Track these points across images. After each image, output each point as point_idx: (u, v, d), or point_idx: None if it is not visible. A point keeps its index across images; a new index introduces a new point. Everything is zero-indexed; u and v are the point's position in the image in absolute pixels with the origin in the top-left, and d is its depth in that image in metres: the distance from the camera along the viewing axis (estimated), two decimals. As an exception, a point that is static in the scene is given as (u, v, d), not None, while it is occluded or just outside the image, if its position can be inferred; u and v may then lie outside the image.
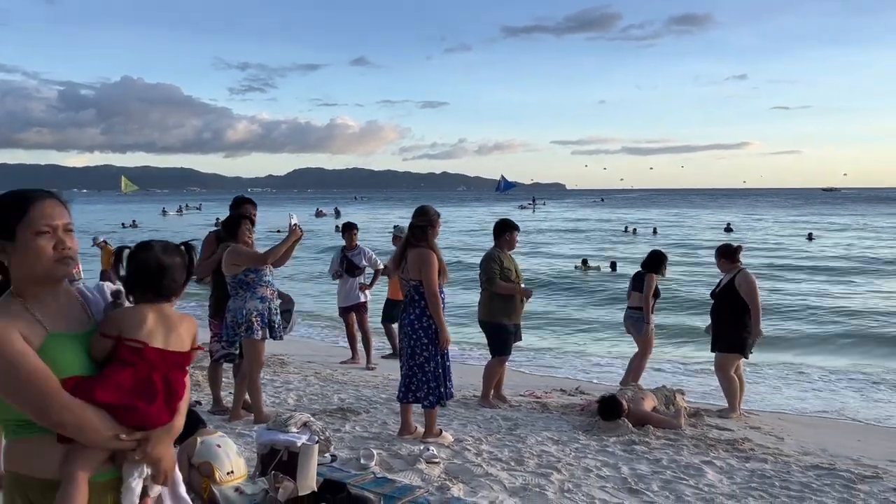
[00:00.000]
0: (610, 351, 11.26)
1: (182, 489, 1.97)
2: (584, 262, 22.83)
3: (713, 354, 7.00)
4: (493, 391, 6.97)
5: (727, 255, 6.96)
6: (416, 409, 5.62)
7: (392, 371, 8.33)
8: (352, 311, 8.98)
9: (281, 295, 6.11)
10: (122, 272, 1.88)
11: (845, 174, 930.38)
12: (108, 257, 15.43)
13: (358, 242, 9.05)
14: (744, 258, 7.12)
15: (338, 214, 62.53)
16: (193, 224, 53.78)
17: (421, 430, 5.51)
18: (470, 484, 4.50)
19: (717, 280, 7.28)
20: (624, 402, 6.07)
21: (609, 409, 6.02)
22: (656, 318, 8.05)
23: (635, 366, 8.02)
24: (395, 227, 9.73)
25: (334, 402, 6.64)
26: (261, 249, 5.83)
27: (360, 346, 9.18)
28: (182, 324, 1.88)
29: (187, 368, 1.91)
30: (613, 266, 21.84)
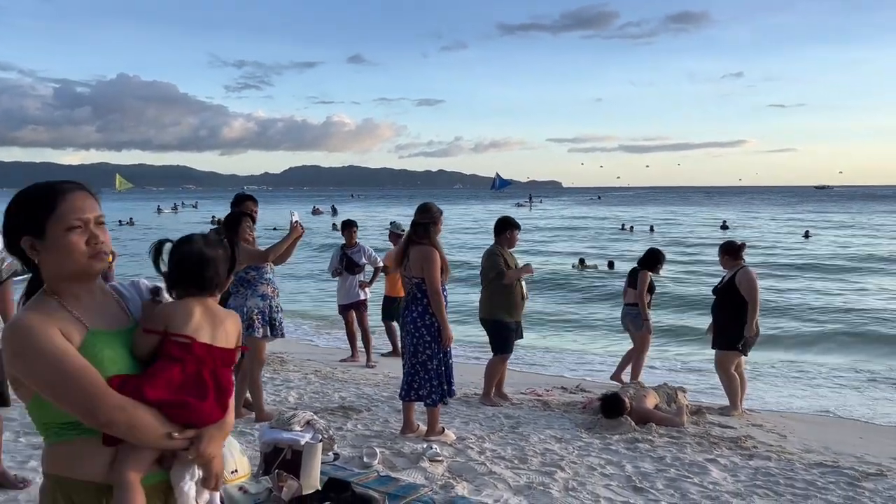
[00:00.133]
0: (609, 350, 11.25)
1: (217, 499, 1.85)
2: (582, 261, 22.82)
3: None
4: (494, 389, 6.95)
5: (731, 251, 6.94)
6: (418, 406, 5.59)
7: (392, 369, 8.31)
8: (351, 309, 8.95)
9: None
10: (163, 267, 1.81)
11: (840, 172, 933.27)
12: (105, 255, 15.35)
13: (357, 240, 9.02)
14: (743, 256, 7.09)
15: (335, 212, 62.44)
16: (189, 222, 53.61)
17: (423, 428, 5.48)
18: (474, 482, 4.48)
19: (715, 277, 7.28)
20: (626, 400, 6.05)
21: (612, 406, 6.00)
22: (653, 315, 8.08)
23: (634, 363, 8.03)
24: (391, 223, 9.70)
25: (335, 401, 6.61)
26: (261, 247, 5.80)
27: (359, 343, 9.15)
28: (227, 319, 1.81)
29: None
30: (611, 265, 21.84)
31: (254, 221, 5.88)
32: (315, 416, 4.60)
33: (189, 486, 1.70)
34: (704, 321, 13.39)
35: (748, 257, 7.27)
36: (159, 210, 73.07)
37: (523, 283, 7.01)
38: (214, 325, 1.76)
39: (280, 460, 4.05)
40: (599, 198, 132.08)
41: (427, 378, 5.33)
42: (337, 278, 9.02)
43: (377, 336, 9.52)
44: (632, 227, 42.73)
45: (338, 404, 6.42)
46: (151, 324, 1.71)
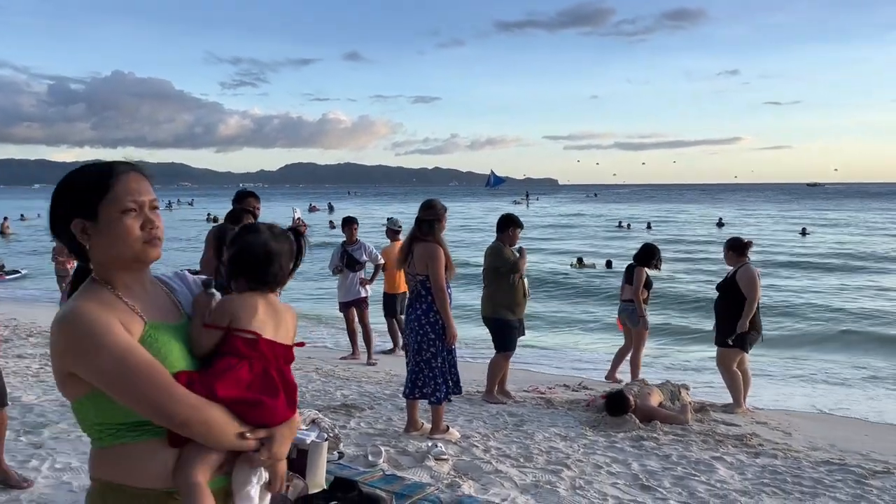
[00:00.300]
0: (609, 350, 11.22)
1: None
2: (580, 260, 22.79)
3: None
4: (497, 386, 6.92)
5: (736, 248, 6.91)
6: (422, 404, 5.55)
7: (393, 366, 8.27)
8: (352, 307, 8.90)
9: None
10: (225, 255, 1.71)
11: (836, 169, 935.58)
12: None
13: (358, 237, 8.98)
14: (748, 254, 7.06)
15: (331, 210, 62.36)
16: (186, 220, 53.44)
17: (427, 426, 5.45)
18: (480, 481, 4.44)
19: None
20: (631, 398, 6.03)
21: (616, 404, 5.97)
22: (650, 312, 8.08)
23: (632, 361, 8.02)
24: (388, 219, 9.66)
25: (337, 399, 6.57)
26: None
27: (360, 341, 9.11)
28: (287, 314, 1.71)
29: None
30: (609, 264, 21.82)
31: (255, 218, 5.82)
32: (320, 415, 4.57)
33: (255, 490, 1.59)
34: (703, 319, 13.51)
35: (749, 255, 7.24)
36: None
37: (525, 280, 6.98)
38: (277, 321, 1.66)
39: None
40: (596, 195, 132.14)
41: (431, 376, 5.29)
42: (337, 276, 8.97)
43: (378, 334, 9.48)
44: (629, 225, 42.76)
45: (340, 402, 6.38)
46: (214, 318, 1.60)
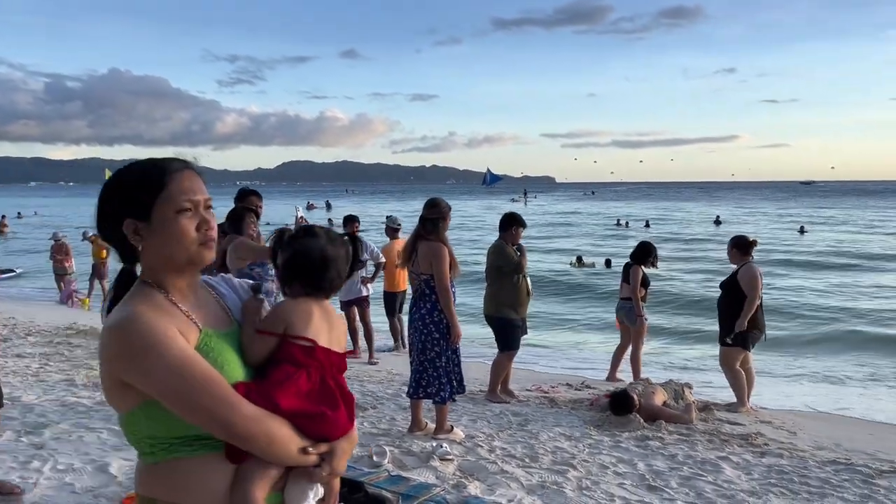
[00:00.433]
0: (609, 349, 11.20)
1: None
2: (579, 258, 22.77)
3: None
4: (499, 386, 6.89)
5: (740, 246, 6.88)
6: (426, 404, 5.52)
7: (395, 366, 8.24)
8: (353, 305, 8.87)
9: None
10: (280, 258, 1.63)
11: (833, 167, 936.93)
12: (98, 251, 15.21)
13: (359, 235, 8.94)
14: (752, 253, 7.02)
15: (329, 207, 62.30)
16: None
17: (431, 426, 5.41)
18: (486, 482, 4.41)
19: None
20: (635, 397, 6.00)
21: (620, 403, 5.95)
22: (648, 311, 8.07)
23: (633, 360, 8.00)
24: (388, 217, 9.64)
25: (340, 398, 6.52)
26: (267, 244, 5.71)
27: (361, 340, 9.07)
28: (339, 321, 1.63)
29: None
30: (608, 263, 21.79)
31: (258, 217, 5.78)
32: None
33: None
34: (701, 318, 13.49)
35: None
36: None
37: (528, 279, 6.95)
38: (330, 328, 1.59)
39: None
40: (593, 193, 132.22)
41: (436, 375, 5.26)
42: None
43: (380, 333, 9.45)
44: (627, 223, 42.76)
45: (343, 402, 6.33)
46: (268, 325, 1.53)
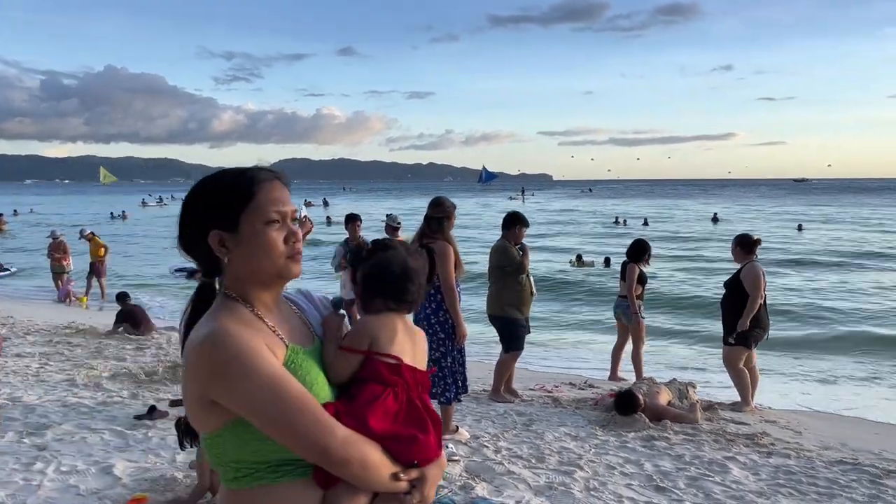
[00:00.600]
0: (609, 348, 11.18)
1: None
2: (579, 257, 22.72)
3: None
4: (503, 385, 6.86)
5: (744, 244, 6.85)
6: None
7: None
8: (354, 305, 8.82)
9: None
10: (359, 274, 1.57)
11: (829, 165, 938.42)
12: (96, 249, 15.14)
13: (361, 234, 8.91)
14: (756, 252, 7.00)
15: (326, 205, 62.21)
16: (176, 215, 53.06)
17: (436, 426, 5.38)
18: (493, 483, 4.39)
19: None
20: (640, 397, 5.98)
21: (626, 403, 5.92)
22: (647, 311, 8.06)
23: (634, 359, 7.98)
24: (388, 216, 9.61)
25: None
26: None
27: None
28: (421, 337, 1.57)
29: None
30: (607, 262, 21.75)
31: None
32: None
33: None
34: (700, 317, 13.47)
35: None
36: (144, 203, 71.19)
37: (532, 278, 6.93)
38: (414, 345, 1.52)
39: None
40: (591, 190, 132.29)
41: (441, 376, 5.23)
42: (339, 273, 8.90)
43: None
44: (625, 221, 42.74)
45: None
46: (352, 342, 1.47)
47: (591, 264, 22.00)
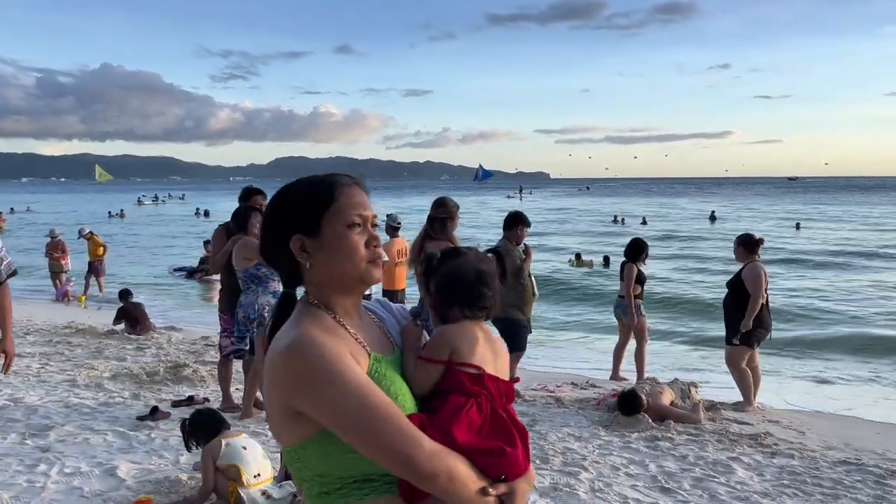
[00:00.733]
0: (610, 347, 11.18)
1: None
2: (578, 256, 22.72)
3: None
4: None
5: (746, 244, 6.84)
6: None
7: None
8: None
9: None
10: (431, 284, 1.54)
11: (826, 163, 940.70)
12: (95, 249, 15.10)
13: None
14: (759, 252, 6.99)
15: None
16: (173, 214, 53.12)
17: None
18: (498, 484, 4.38)
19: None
20: (643, 397, 5.97)
21: (629, 403, 5.92)
22: (647, 311, 8.06)
23: (637, 358, 7.97)
24: (388, 215, 9.60)
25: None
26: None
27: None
28: (502, 345, 1.52)
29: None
30: (606, 261, 21.75)
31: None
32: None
33: None
34: (699, 317, 13.46)
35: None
36: (139, 202, 70.91)
37: (533, 279, 6.92)
38: (495, 354, 1.47)
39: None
40: (588, 188, 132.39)
41: (445, 376, 5.22)
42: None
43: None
44: (623, 220, 42.75)
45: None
46: (432, 352, 1.43)
47: (591, 263, 21.98)
